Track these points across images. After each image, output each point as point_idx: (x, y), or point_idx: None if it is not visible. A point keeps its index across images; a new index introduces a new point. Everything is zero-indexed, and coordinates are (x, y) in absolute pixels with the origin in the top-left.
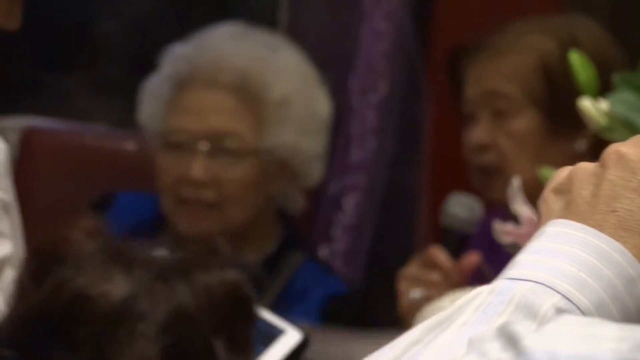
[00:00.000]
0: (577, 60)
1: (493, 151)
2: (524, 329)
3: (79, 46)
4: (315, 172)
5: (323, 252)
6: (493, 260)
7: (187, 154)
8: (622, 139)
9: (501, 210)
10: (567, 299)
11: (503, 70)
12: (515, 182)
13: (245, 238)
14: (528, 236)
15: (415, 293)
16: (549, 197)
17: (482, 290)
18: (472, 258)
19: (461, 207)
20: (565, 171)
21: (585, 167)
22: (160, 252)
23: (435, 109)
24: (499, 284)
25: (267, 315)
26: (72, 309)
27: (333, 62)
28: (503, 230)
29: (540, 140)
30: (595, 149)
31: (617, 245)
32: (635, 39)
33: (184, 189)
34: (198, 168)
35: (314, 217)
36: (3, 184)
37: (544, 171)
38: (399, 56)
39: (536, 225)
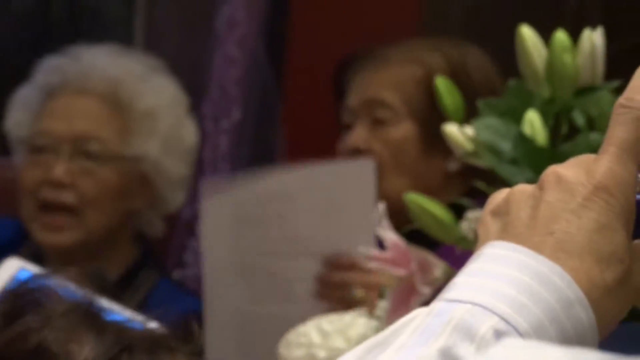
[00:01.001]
0: (442, 85)
1: (368, 156)
2: (468, 353)
3: None
4: (176, 197)
5: (176, 276)
6: None
7: (50, 156)
8: (488, 164)
9: None
10: (506, 321)
11: (387, 79)
12: (381, 207)
13: (102, 252)
14: (393, 261)
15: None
16: (486, 219)
17: (420, 312)
18: None
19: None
20: (502, 193)
21: (524, 189)
22: (151, 325)
23: (288, 134)
24: (437, 305)
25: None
26: (33, 359)
27: (187, 88)
28: (369, 256)
29: (414, 153)
30: (466, 173)
31: (556, 267)
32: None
33: (45, 191)
34: (60, 169)
35: (168, 242)
36: None
37: (410, 195)
38: (252, 82)
39: (404, 249)
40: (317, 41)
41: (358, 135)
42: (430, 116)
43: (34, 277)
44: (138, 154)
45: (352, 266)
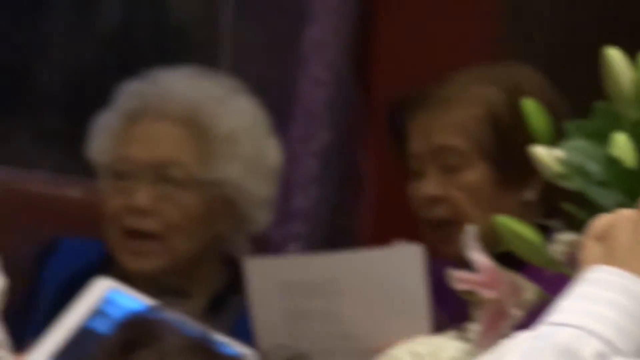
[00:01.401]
0: (530, 107)
1: (445, 204)
2: None
3: (20, 94)
4: (261, 218)
5: None
6: (440, 307)
7: (132, 182)
8: (577, 186)
9: (446, 260)
10: (609, 344)
11: (450, 124)
12: (471, 231)
13: (191, 276)
14: (484, 283)
15: None
16: (588, 243)
17: (525, 335)
18: None
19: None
20: (605, 218)
21: (626, 214)
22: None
23: (376, 156)
24: (541, 328)
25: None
26: None
27: (274, 110)
28: (459, 277)
29: (491, 192)
30: (543, 198)
31: None
32: (572, 85)
33: (128, 219)
34: (142, 196)
35: None
36: None
37: (499, 218)
38: (339, 104)
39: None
40: (403, 62)
41: (432, 183)
42: (500, 152)
43: (150, 308)
44: (220, 178)
45: None
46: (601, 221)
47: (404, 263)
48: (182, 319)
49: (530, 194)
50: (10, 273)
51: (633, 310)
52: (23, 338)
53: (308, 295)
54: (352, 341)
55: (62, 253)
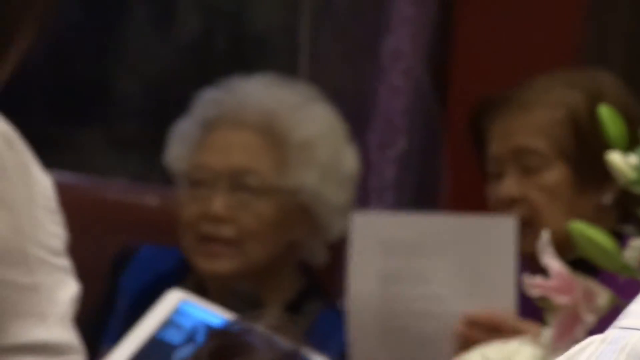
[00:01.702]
0: (606, 114)
1: (523, 205)
2: None
3: (99, 102)
4: (337, 224)
5: (343, 304)
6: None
7: (209, 190)
8: None
9: (524, 262)
10: None
11: (531, 126)
12: (545, 236)
13: (265, 282)
14: (557, 289)
15: None
16: None
17: (595, 339)
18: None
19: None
20: None
21: None
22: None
23: (453, 164)
24: (611, 333)
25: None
26: None
27: (352, 117)
28: (532, 284)
29: (569, 194)
30: (620, 203)
31: None
32: None
33: (205, 226)
34: (218, 203)
35: (336, 269)
36: (58, 219)
37: (574, 224)
38: (417, 112)
39: (569, 278)
40: (480, 70)
41: (511, 184)
42: (579, 155)
43: (242, 319)
44: (296, 186)
45: (492, 326)
46: None
47: (497, 232)
48: (273, 333)
49: (606, 199)
50: (87, 281)
51: None
52: (100, 346)
53: (404, 253)
54: (441, 304)
55: (139, 260)
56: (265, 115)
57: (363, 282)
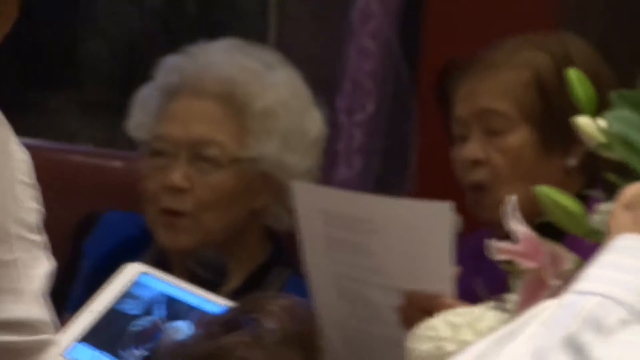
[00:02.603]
0: (574, 76)
1: (486, 167)
2: (592, 339)
3: (66, 67)
4: None
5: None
6: (478, 278)
7: (169, 161)
8: (620, 156)
9: (486, 230)
10: (633, 311)
11: (496, 87)
12: (511, 200)
13: (230, 250)
14: (524, 254)
15: None
16: (618, 212)
17: (550, 303)
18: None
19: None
20: (635, 187)
21: None
22: None
23: (422, 127)
24: (567, 297)
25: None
26: None
27: (320, 81)
28: (498, 248)
29: (533, 157)
30: (585, 166)
31: None
32: (626, 58)
33: (165, 198)
34: (177, 174)
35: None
36: (35, 194)
37: (540, 188)
38: (386, 75)
39: (536, 242)
40: (451, 33)
41: (475, 146)
42: (544, 117)
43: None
44: (257, 155)
45: (429, 304)
46: (631, 190)
47: (433, 217)
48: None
49: (572, 162)
50: (52, 245)
51: None
52: (63, 310)
53: (346, 227)
54: (381, 277)
55: (104, 225)
56: (227, 84)
57: (313, 248)
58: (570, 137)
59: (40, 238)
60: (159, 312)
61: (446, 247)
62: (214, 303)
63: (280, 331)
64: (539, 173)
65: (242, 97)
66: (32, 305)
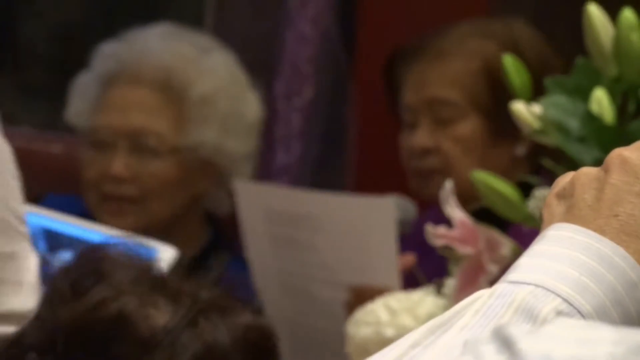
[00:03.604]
0: (510, 63)
1: (435, 155)
2: (519, 331)
3: (4, 50)
4: (242, 174)
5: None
6: (426, 262)
7: (109, 150)
8: (555, 142)
9: (435, 211)
10: (568, 302)
11: (445, 76)
12: (448, 185)
13: (170, 235)
14: (460, 239)
15: None
16: (551, 201)
17: (483, 293)
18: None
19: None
20: (568, 176)
21: (588, 171)
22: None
23: (361, 112)
24: (500, 287)
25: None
26: (114, 327)
27: (258, 66)
28: (435, 233)
29: (482, 145)
30: (533, 154)
31: (619, 249)
32: (559, 41)
33: (106, 185)
34: (119, 164)
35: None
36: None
37: (477, 174)
38: (324, 60)
39: (472, 227)
40: (388, 18)
41: (424, 134)
42: (493, 105)
43: (91, 248)
44: (196, 142)
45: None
46: (564, 178)
47: (376, 212)
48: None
49: (520, 150)
50: None
51: (593, 268)
52: None
53: (290, 224)
54: (328, 272)
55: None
56: (162, 71)
57: (256, 244)
58: (518, 126)
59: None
60: (40, 246)
61: (391, 241)
62: (95, 232)
63: (132, 273)
64: (488, 161)
65: (178, 84)
66: (31, 297)
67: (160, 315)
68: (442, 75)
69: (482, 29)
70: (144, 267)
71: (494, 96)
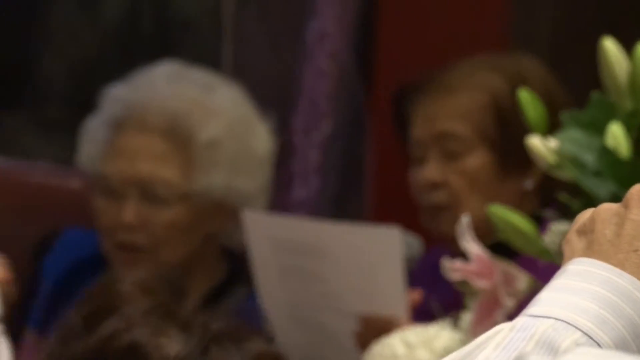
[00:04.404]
0: (526, 97)
1: (444, 190)
2: None
3: (23, 85)
4: (256, 207)
5: None
6: (435, 295)
7: (120, 198)
8: (571, 176)
9: (443, 247)
10: (588, 335)
11: (454, 110)
12: (465, 220)
13: (188, 271)
14: (477, 273)
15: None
16: (572, 237)
17: (503, 327)
18: (416, 296)
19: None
20: (588, 212)
21: (609, 207)
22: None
23: (378, 147)
24: (520, 320)
25: None
26: (127, 358)
27: (276, 101)
28: (452, 267)
29: (490, 178)
30: (542, 188)
31: (639, 283)
32: (574, 77)
33: (119, 234)
34: (129, 213)
35: None
36: None
37: (493, 208)
38: (342, 95)
39: (488, 261)
40: (405, 54)
41: (432, 169)
42: (502, 139)
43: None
44: (206, 187)
45: (385, 328)
46: (585, 214)
47: (382, 242)
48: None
49: (529, 184)
50: (11, 263)
51: (612, 302)
52: (24, 328)
53: (297, 253)
54: (336, 302)
55: (63, 244)
56: (169, 117)
57: (265, 275)
58: (527, 159)
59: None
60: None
61: (398, 271)
62: None
63: (144, 305)
64: (496, 194)
65: (185, 130)
66: None
67: (172, 345)
68: (450, 109)
69: (489, 63)
70: (155, 298)
71: (502, 130)
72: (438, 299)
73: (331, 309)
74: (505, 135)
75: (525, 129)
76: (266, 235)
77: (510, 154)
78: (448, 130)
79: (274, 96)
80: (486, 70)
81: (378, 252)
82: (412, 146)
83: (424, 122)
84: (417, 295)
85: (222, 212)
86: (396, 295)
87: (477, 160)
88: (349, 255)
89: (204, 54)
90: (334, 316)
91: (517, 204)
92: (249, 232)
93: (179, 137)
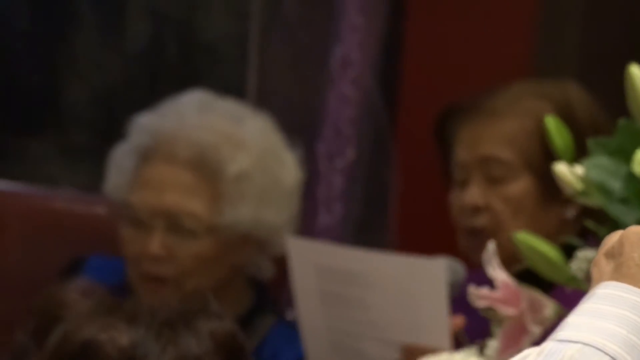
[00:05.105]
0: (552, 125)
1: (486, 214)
2: None
3: (47, 112)
4: (282, 239)
5: (291, 315)
6: (474, 323)
7: (146, 229)
8: (597, 203)
9: (483, 272)
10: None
11: (499, 135)
12: (491, 247)
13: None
14: (503, 300)
15: None
16: (600, 260)
17: (531, 351)
18: (457, 321)
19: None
20: (615, 235)
21: (637, 230)
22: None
23: (402, 173)
24: (548, 345)
25: None
26: (83, 356)
27: (300, 127)
28: (478, 295)
29: (533, 205)
30: (582, 216)
31: None
32: (604, 103)
33: (144, 264)
34: (155, 244)
35: (285, 280)
36: None
37: (520, 235)
38: (366, 121)
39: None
40: (429, 80)
41: (475, 193)
42: (546, 166)
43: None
44: (233, 220)
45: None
46: (612, 238)
47: (428, 273)
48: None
49: (570, 212)
50: (37, 290)
51: None
52: None
53: (340, 281)
54: (378, 331)
55: (89, 270)
56: (197, 149)
57: (306, 301)
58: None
59: None
60: None
61: (442, 303)
62: None
63: (87, 306)
64: (537, 222)
65: (214, 163)
66: None
67: (122, 335)
68: (496, 134)
69: (535, 90)
70: (96, 298)
71: (548, 157)
72: (479, 324)
73: (372, 338)
74: (549, 162)
75: None
76: (309, 261)
77: (553, 182)
78: (493, 155)
79: (298, 122)
80: (533, 96)
81: (423, 283)
82: (455, 169)
83: (468, 146)
84: (459, 320)
85: (249, 244)
86: (440, 326)
87: (520, 186)
88: (393, 285)
89: (228, 80)
90: (374, 345)
91: (557, 232)
92: (292, 257)
93: (207, 170)
